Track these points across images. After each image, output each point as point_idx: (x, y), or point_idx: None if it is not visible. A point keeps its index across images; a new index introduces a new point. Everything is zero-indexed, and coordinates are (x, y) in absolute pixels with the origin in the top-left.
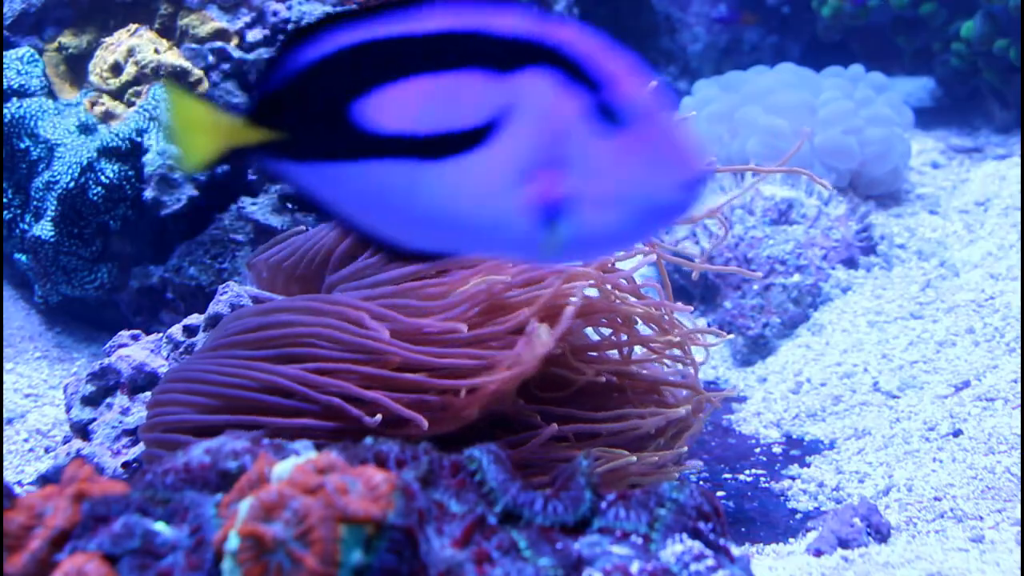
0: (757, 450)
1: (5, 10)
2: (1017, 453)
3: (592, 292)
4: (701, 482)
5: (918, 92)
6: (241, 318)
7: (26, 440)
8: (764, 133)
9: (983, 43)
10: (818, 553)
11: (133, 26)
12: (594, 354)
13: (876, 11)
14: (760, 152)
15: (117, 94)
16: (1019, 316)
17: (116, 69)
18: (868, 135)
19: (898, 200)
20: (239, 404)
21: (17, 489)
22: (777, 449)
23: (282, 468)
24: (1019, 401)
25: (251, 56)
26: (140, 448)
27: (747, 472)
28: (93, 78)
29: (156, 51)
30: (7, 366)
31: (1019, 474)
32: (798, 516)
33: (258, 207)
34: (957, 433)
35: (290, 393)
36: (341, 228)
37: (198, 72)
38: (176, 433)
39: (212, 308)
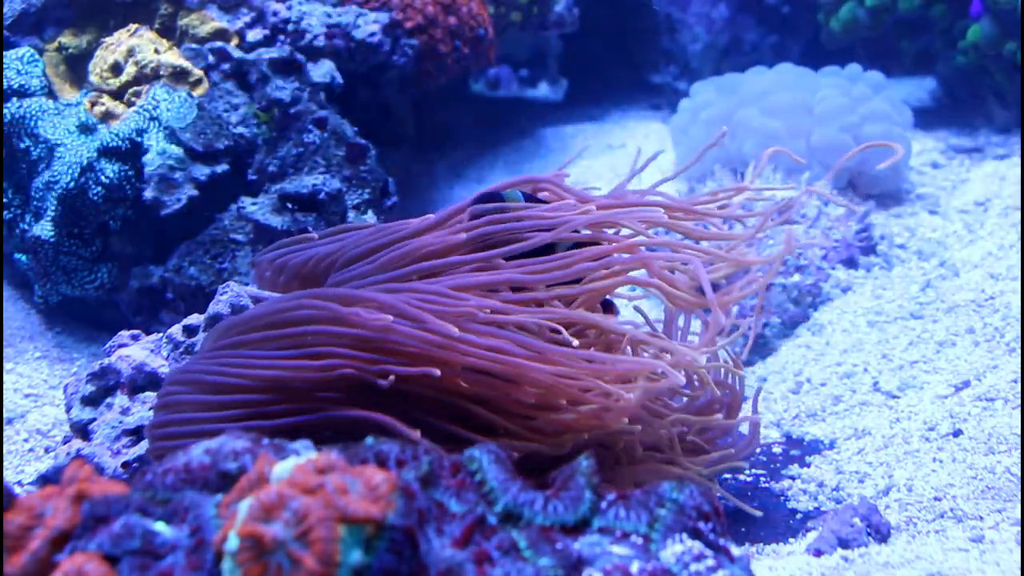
0: (757, 450)
1: (5, 10)
2: (1017, 453)
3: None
4: None
5: (918, 92)
6: (242, 317)
7: (26, 440)
8: (760, 135)
9: (992, 46)
10: (818, 553)
11: (133, 26)
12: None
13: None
14: (757, 154)
15: (117, 94)
16: (1019, 316)
17: (116, 69)
18: (865, 132)
19: (898, 200)
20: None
21: (17, 489)
22: (777, 449)
23: (282, 468)
24: (1019, 401)
25: (251, 56)
26: (140, 448)
27: (747, 472)
28: (93, 78)
29: (156, 51)
30: (7, 366)
31: (1019, 474)
32: (798, 516)
33: (258, 207)
34: (957, 433)
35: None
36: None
37: (198, 72)
38: (183, 438)
39: (212, 308)
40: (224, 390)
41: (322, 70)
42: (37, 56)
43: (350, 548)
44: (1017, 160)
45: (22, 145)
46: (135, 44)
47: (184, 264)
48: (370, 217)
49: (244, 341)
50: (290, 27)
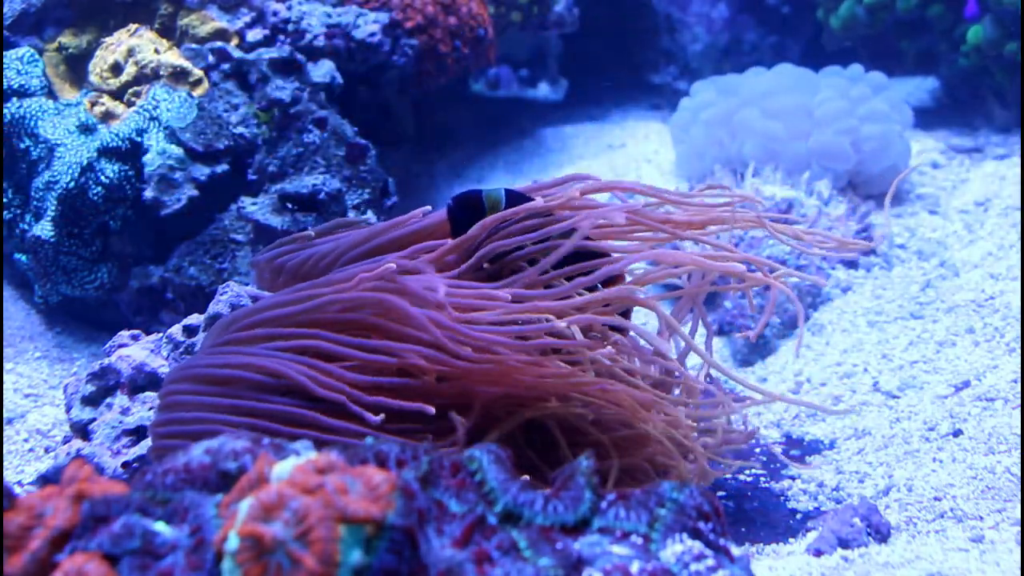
0: (757, 450)
1: (5, 10)
2: (1017, 453)
3: None
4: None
5: (918, 92)
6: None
7: (26, 440)
8: (761, 136)
9: (993, 47)
10: (818, 553)
11: (133, 26)
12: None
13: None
14: (757, 155)
15: (117, 94)
16: (1019, 316)
17: (116, 69)
18: (864, 132)
19: (898, 200)
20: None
21: (17, 489)
22: (777, 449)
23: (282, 468)
24: (1019, 401)
25: (251, 56)
26: (140, 448)
27: (747, 472)
28: (93, 78)
29: (156, 51)
30: (7, 366)
31: (1019, 474)
32: (798, 516)
33: (258, 207)
34: (957, 433)
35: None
36: (349, 237)
37: (198, 72)
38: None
39: (212, 308)
40: (227, 384)
41: (322, 70)
42: (37, 56)
43: (350, 548)
44: (1017, 160)
45: (22, 145)
46: (135, 44)
47: (184, 264)
48: (370, 217)
49: (244, 338)
50: (290, 27)
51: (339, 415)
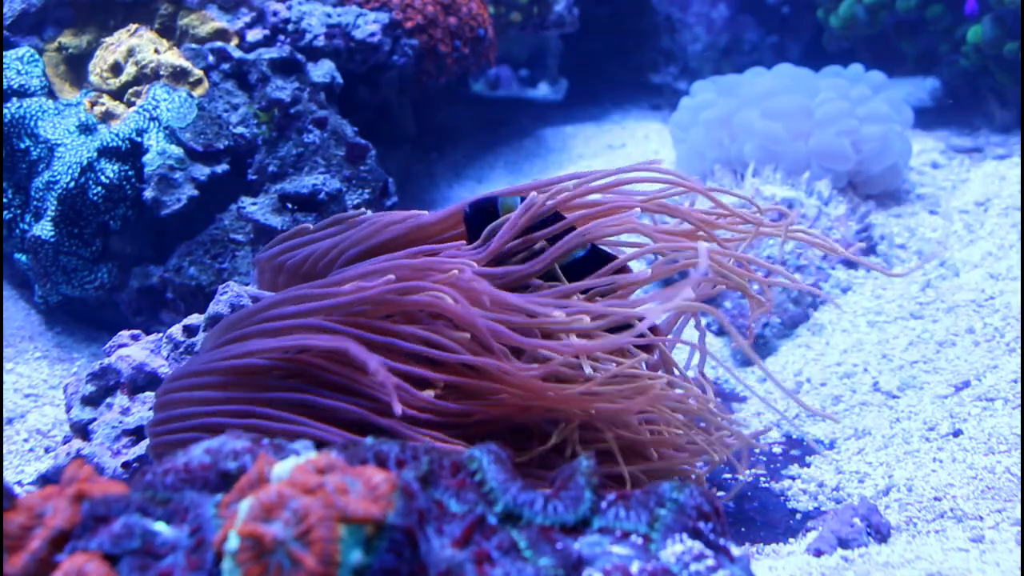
0: (757, 450)
1: (5, 10)
2: (1017, 453)
3: None
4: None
5: (918, 92)
6: (241, 314)
7: (26, 440)
8: (761, 137)
9: (993, 47)
10: (818, 553)
11: (133, 26)
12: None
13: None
14: (758, 155)
15: (117, 94)
16: (1019, 316)
17: (116, 69)
18: (864, 133)
19: (898, 200)
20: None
21: (17, 489)
22: (777, 449)
23: (282, 468)
24: (1019, 401)
25: (251, 56)
26: (140, 448)
27: (747, 472)
28: (93, 78)
29: (156, 51)
30: (7, 366)
31: (1019, 474)
32: (798, 516)
33: (258, 207)
34: (957, 433)
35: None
36: (350, 235)
37: (198, 72)
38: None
39: (212, 308)
40: (224, 374)
41: (322, 70)
42: (37, 56)
43: (350, 548)
44: (1017, 160)
45: (22, 145)
46: (135, 44)
47: (184, 264)
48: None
49: (245, 334)
50: (290, 27)
51: (343, 400)
